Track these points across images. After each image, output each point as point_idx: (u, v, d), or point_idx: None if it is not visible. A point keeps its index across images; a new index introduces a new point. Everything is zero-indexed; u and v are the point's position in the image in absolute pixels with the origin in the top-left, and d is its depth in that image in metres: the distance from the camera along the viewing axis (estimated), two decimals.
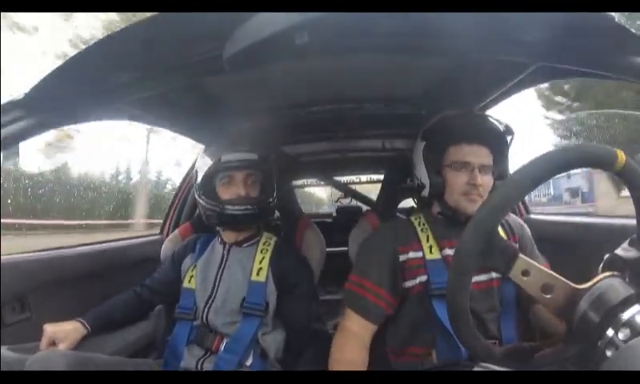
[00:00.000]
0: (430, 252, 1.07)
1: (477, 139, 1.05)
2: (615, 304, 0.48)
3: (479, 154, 1.04)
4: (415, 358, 1.06)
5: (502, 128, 1.07)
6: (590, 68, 0.70)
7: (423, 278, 1.05)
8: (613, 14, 0.62)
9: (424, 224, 1.13)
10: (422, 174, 1.11)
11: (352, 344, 1.04)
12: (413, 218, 1.16)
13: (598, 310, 0.49)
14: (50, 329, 1.04)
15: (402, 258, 1.08)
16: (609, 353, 0.46)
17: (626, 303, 0.47)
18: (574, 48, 0.67)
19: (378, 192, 1.66)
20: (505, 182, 0.58)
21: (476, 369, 0.62)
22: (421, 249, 1.08)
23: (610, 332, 0.47)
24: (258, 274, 1.19)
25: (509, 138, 1.09)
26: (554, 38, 0.65)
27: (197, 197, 1.24)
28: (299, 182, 3.52)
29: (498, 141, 1.08)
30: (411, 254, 1.08)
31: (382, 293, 1.07)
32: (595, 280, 0.52)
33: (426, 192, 1.11)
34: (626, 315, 0.47)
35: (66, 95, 0.75)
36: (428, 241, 1.09)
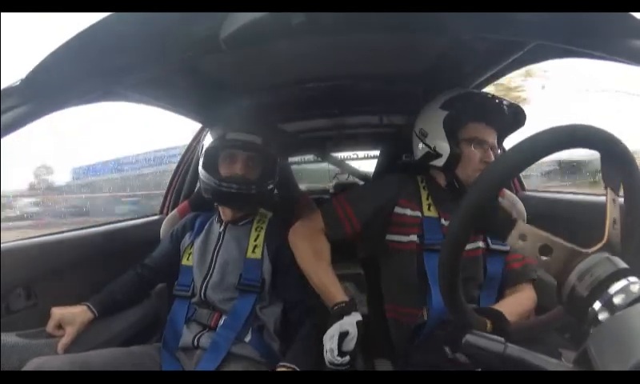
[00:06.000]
0: (429, 210, 1.11)
1: (497, 123, 1.11)
2: (602, 279, 0.50)
3: (494, 135, 1.11)
4: (409, 318, 1.11)
5: (522, 118, 1.12)
6: (588, 48, 0.70)
7: (416, 235, 1.10)
8: None
9: (427, 189, 1.16)
10: (439, 143, 1.10)
11: (316, 235, 1.14)
12: (419, 179, 1.19)
13: (585, 286, 0.51)
14: (57, 312, 1.06)
15: (398, 210, 1.11)
16: (594, 327, 0.48)
17: (613, 278, 0.49)
18: (573, 28, 0.67)
19: (373, 168, 1.67)
20: (505, 153, 0.59)
21: (467, 338, 0.64)
22: (419, 209, 1.11)
23: (597, 306, 0.49)
24: (253, 252, 1.22)
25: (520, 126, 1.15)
26: (553, 17, 0.65)
27: (200, 170, 1.25)
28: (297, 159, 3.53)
29: (512, 128, 1.15)
30: (408, 212, 1.11)
31: (355, 223, 1.13)
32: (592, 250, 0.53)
33: (440, 162, 1.11)
34: (612, 290, 0.48)
35: (63, 80, 0.74)
36: (428, 200, 1.13)
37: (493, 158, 1.07)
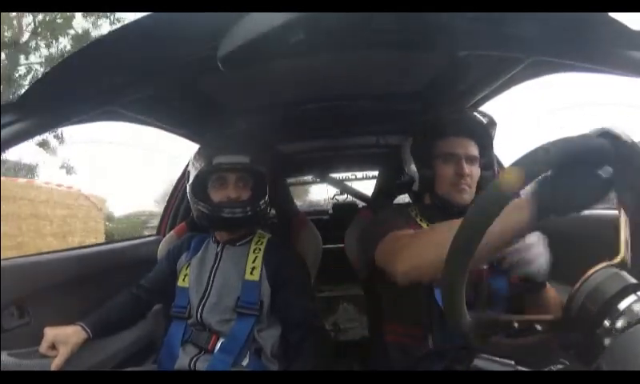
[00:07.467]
0: None
1: (462, 132, 1.12)
2: (611, 295, 0.48)
3: (465, 146, 1.11)
4: (413, 341, 1.08)
5: (485, 120, 1.14)
6: (585, 62, 0.71)
7: None
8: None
9: (420, 215, 1.17)
10: (412, 168, 1.18)
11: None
12: (410, 209, 1.20)
13: (594, 302, 0.49)
14: (50, 332, 1.03)
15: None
16: (606, 342, 0.47)
17: (622, 294, 0.48)
18: (569, 42, 0.68)
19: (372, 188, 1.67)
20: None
21: (475, 362, 0.62)
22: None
23: (607, 322, 0.47)
24: (251, 273, 1.19)
25: (492, 130, 1.17)
26: (548, 32, 0.66)
27: (189, 197, 1.24)
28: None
29: (481, 133, 1.15)
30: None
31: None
32: (591, 272, 0.52)
33: (416, 186, 1.17)
34: (622, 306, 0.47)
35: (61, 97, 0.75)
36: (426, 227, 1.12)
37: (466, 170, 1.08)
